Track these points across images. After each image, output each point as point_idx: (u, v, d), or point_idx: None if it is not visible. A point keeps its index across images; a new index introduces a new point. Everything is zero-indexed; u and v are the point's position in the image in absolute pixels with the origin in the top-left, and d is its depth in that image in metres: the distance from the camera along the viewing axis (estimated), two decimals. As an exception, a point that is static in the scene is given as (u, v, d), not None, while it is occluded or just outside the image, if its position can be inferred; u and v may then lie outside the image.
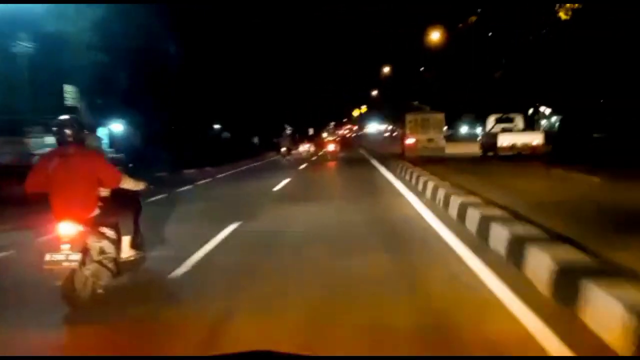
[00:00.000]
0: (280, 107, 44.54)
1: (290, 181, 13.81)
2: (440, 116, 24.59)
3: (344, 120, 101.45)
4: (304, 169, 19.27)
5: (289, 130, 44.43)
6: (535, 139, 19.60)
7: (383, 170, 16.13)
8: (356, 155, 27.14)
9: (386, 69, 58.33)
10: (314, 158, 24.80)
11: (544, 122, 43.83)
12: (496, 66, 32.76)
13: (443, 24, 33.76)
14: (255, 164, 23.44)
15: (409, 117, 24.77)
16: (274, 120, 46.45)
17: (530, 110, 41.68)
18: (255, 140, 47.31)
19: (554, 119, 40.68)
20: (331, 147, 25.22)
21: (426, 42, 35.89)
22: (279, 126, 50.06)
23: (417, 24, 42.58)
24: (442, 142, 23.82)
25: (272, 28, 34.76)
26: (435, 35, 34.32)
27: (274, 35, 35.32)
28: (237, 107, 33.29)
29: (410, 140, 23.66)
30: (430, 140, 23.49)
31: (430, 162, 16.21)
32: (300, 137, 26.75)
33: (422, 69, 49.96)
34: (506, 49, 27.74)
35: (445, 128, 25.75)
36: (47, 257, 3.84)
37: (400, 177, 13.05)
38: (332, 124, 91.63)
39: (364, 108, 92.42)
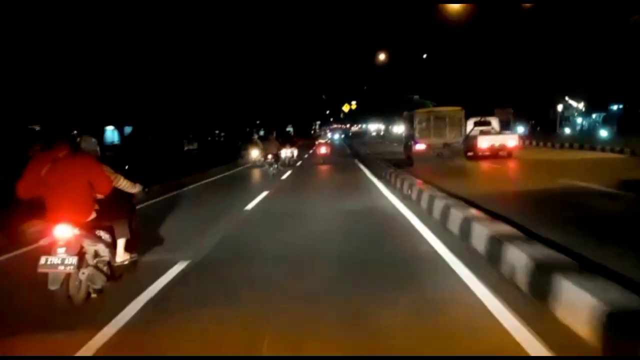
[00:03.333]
0: (242, 99, 38.75)
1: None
2: (459, 113, 22.38)
3: (331, 119, 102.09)
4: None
5: (258, 133, 42.26)
6: (511, 140, 21.53)
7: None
8: (349, 166, 23.36)
9: (381, 57, 57.88)
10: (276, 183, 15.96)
11: (579, 120, 44.15)
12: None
13: None
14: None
15: (419, 116, 22.56)
16: (234, 117, 41.69)
17: (560, 107, 42.09)
18: (193, 146, 39.29)
19: (594, 116, 40.78)
20: (322, 150, 26.81)
21: (439, 14, 34.26)
22: (241, 125, 46.33)
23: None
24: (461, 148, 21.93)
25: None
26: (453, 5, 32.51)
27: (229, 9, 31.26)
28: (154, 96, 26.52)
29: (420, 146, 21.69)
30: (446, 145, 21.74)
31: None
32: (281, 139, 25.98)
33: (425, 55, 48.94)
34: None
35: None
36: (42, 260, 4.05)
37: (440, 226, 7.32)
38: (318, 122, 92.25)
39: (354, 104, 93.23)
